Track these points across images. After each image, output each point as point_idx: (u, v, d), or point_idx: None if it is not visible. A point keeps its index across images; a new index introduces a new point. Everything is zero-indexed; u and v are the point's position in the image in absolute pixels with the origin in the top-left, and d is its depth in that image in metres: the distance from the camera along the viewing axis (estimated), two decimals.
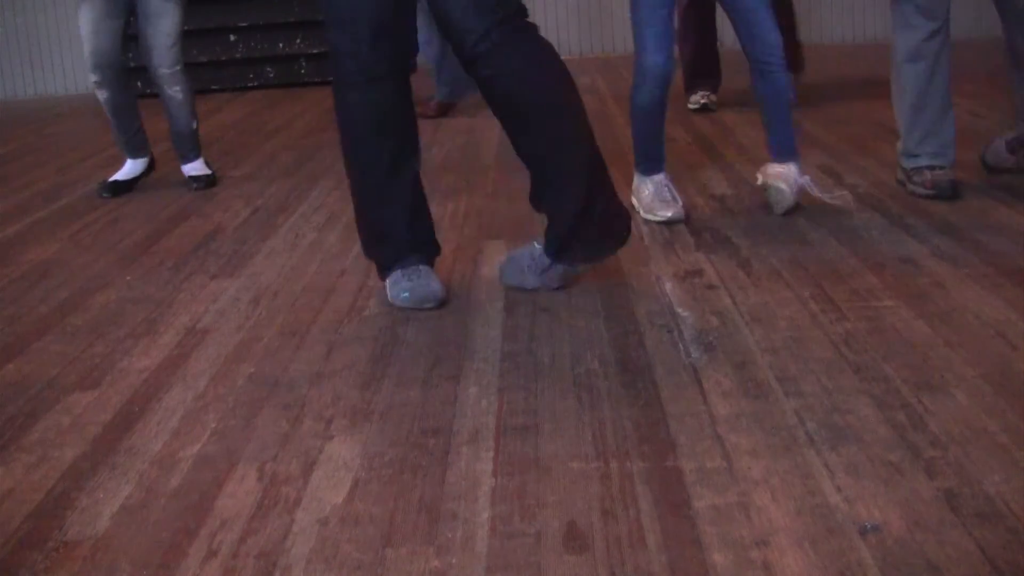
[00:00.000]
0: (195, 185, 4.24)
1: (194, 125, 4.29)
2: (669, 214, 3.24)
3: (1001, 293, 2.49)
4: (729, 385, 2.12)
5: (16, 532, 1.78)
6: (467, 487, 1.80)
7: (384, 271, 2.75)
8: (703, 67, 5.06)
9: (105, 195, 4.21)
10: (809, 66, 5.20)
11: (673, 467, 1.82)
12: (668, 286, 2.70)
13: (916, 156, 3.37)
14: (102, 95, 4.16)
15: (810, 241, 2.97)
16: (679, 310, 2.54)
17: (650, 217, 3.26)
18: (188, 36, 6.92)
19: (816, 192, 3.21)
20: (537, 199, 2.68)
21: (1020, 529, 1.57)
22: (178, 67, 4.16)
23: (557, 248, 2.66)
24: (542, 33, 2.64)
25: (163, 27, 4.08)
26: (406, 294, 2.66)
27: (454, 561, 1.60)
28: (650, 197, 3.29)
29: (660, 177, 3.32)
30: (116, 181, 4.26)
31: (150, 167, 4.35)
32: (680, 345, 2.33)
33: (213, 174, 4.31)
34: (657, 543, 1.61)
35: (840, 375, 2.12)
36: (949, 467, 1.76)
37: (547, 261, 2.68)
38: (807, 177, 3.24)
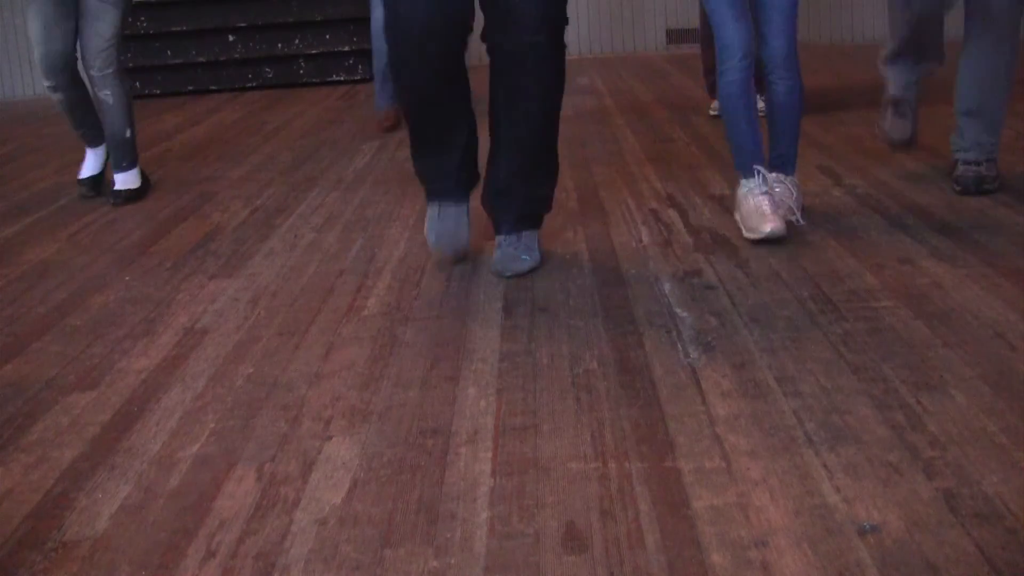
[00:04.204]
0: (112, 200, 4.06)
1: (127, 133, 4.09)
2: (768, 229, 2.93)
3: (1000, 293, 2.49)
4: (728, 385, 2.12)
5: (15, 533, 1.77)
6: (466, 487, 1.80)
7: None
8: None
9: (90, 195, 4.16)
10: (808, 66, 5.19)
11: (672, 467, 1.82)
12: (667, 286, 2.70)
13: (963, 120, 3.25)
14: (56, 97, 4.06)
15: (808, 241, 2.97)
16: (678, 310, 2.54)
17: (751, 236, 2.97)
18: (187, 36, 7.02)
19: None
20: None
21: (1018, 529, 1.57)
22: (110, 70, 4.00)
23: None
24: None
25: (98, 29, 3.94)
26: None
27: (453, 561, 1.60)
28: (749, 210, 3.00)
29: (756, 181, 3.01)
30: (92, 177, 4.20)
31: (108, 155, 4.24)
32: (679, 345, 2.33)
33: (142, 187, 4.13)
34: (656, 543, 1.61)
35: (839, 375, 2.12)
36: (948, 467, 1.76)
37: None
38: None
